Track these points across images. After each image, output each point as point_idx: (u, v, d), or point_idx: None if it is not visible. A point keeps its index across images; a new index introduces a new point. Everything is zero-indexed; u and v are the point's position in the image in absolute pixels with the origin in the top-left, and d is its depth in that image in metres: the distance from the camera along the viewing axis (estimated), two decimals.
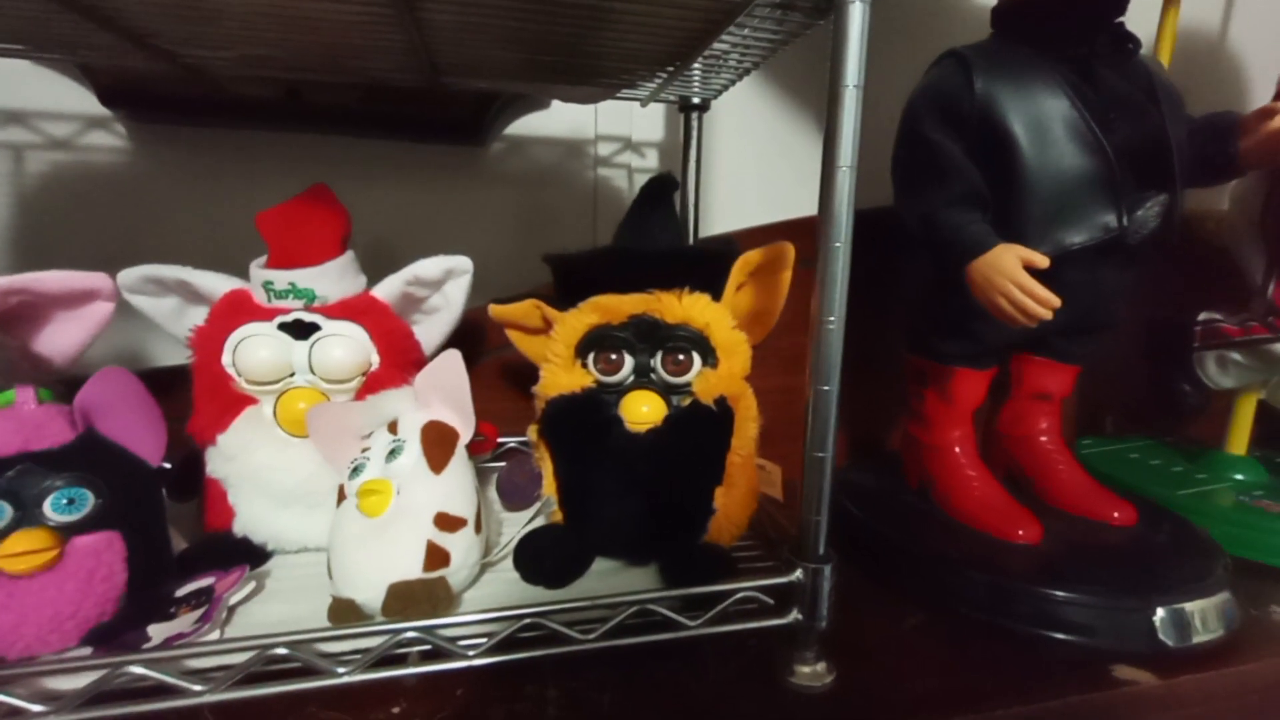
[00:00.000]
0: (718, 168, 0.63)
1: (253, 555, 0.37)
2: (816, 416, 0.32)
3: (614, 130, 0.62)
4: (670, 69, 0.44)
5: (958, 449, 0.48)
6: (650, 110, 0.60)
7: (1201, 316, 0.55)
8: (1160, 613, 0.37)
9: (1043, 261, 0.37)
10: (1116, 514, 0.45)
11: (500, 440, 0.50)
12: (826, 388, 0.31)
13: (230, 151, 0.53)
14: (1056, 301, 0.36)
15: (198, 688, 0.27)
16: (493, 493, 0.45)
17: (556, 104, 0.59)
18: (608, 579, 0.37)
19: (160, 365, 0.51)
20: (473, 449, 0.42)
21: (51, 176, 0.51)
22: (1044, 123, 0.39)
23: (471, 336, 0.54)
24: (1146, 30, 0.53)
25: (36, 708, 0.25)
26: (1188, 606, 0.37)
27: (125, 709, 0.26)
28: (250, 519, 0.38)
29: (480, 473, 0.46)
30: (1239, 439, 0.57)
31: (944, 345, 0.46)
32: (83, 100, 0.50)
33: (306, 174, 0.45)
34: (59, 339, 0.38)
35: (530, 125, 0.60)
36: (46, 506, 0.29)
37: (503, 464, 0.45)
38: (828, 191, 0.30)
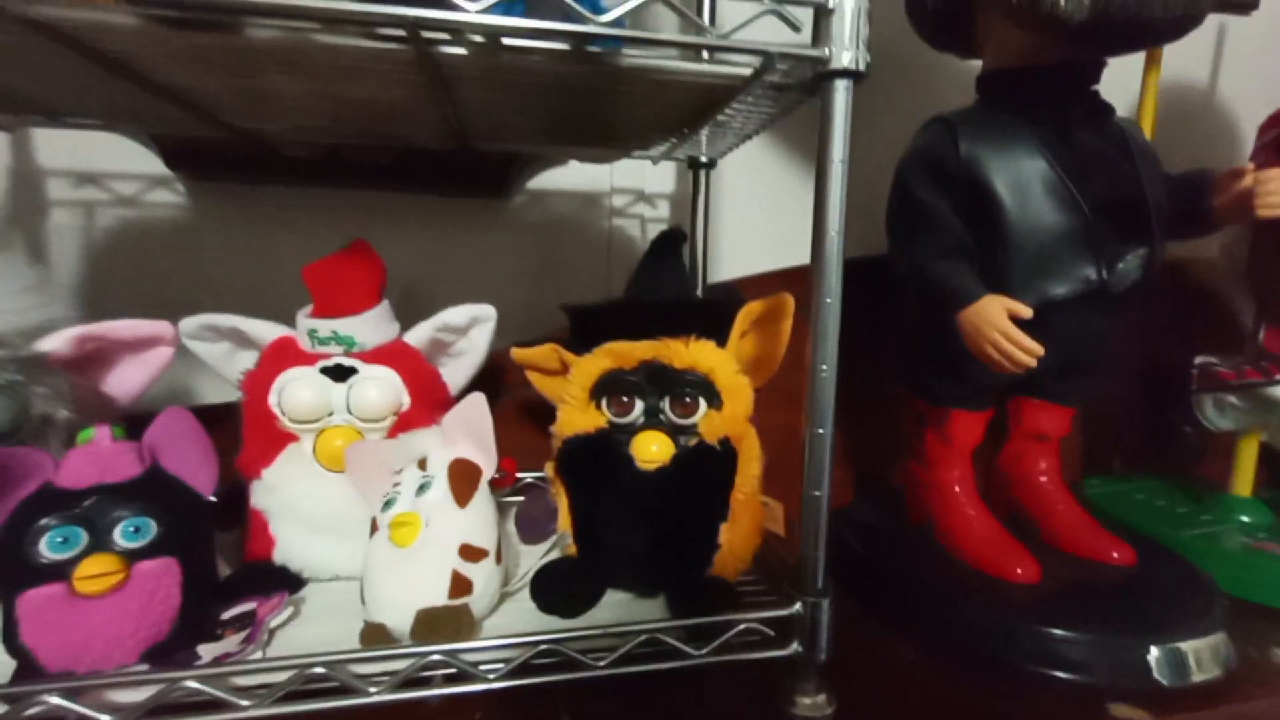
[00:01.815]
0: (724, 219, 0.66)
1: (290, 582, 0.40)
2: (813, 457, 0.34)
3: (628, 184, 0.66)
4: (678, 135, 0.48)
5: (957, 488, 0.50)
6: (662, 166, 0.64)
7: (1198, 360, 0.57)
8: (1155, 651, 0.38)
9: (1026, 312, 0.40)
10: (1115, 554, 0.46)
11: (518, 475, 0.53)
12: (821, 430, 0.34)
13: (276, 206, 0.58)
14: (1039, 350, 0.39)
15: (244, 703, 0.29)
16: (511, 526, 0.48)
17: (574, 161, 0.64)
18: (618, 609, 0.39)
19: (204, 403, 0.55)
20: (493, 484, 0.45)
21: (118, 231, 0.56)
22: (1025, 182, 0.42)
23: (492, 378, 0.57)
24: (1129, 90, 0.57)
25: (103, 717, 0.28)
26: (1184, 646, 0.38)
27: None
28: (289, 547, 0.41)
29: (499, 506, 0.49)
30: (1243, 480, 0.58)
31: (940, 387, 0.49)
32: (149, 163, 0.55)
33: (344, 226, 0.49)
34: (125, 380, 0.42)
35: (550, 180, 0.65)
36: (116, 534, 0.32)
37: (521, 499, 0.48)
38: (818, 253, 0.33)
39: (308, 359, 0.42)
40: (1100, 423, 0.71)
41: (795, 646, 0.35)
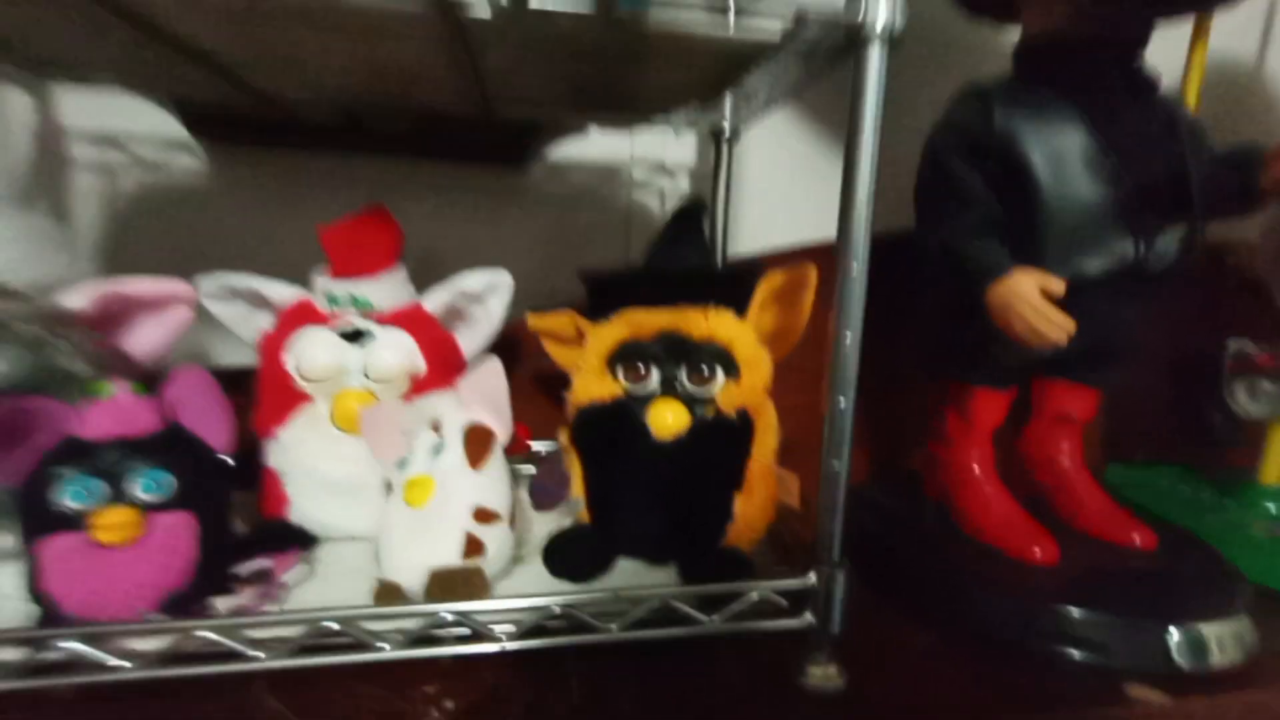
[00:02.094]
0: (747, 193, 0.65)
1: (304, 540, 0.40)
2: (833, 428, 0.34)
3: (649, 155, 0.65)
4: (703, 102, 0.47)
5: (977, 467, 0.49)
6: (684, 138, 0.63)
7: (1232, 344, 0.55)
8: (1176, 634, 0.37)
9: (1059, 287, 0.38)
10: (1137, 538, 0.45)
11: (532, 444, 0.53)
12: (844, 401, 0.33)
13: (294, 171, 0.58)
14: (1073, 327, 0.38)
15: (259, 654, 0.30)
16: (524, 493, 0.48)
17: (594, 130, 0.63)
18: (630, 577, 0.39)
19: (222, 365, 0.55)
20: (507, 450, 0.45)
21: (139, 194, 0.56)
22: (1062, 155, 0.41)
23: (509, 348, 0.57)
24: (1175, 63, 0.54)
25: (120, 663, 0.29)
26: (1205, 629, 0.37)
27: (195, 670, 0.29)
28: (303, 507, 0.41)
29: (513, 473, 0.49)
30: (1273, 469, 0.56)
31: (964, 365, 0.48)
32: (170, 126, 0.55)
33: (362, 192, 0.49)
34: (145, 339, 0.42)
35: (569, 150, 0.64)
36: (136, 486, 0.33)
37: (534, 466, 0.48)
38: (846, 221, 0.32)
39: (325, 321, 0.42)
40: (1124, 410, 0.69)
41: (809, 617, 0.35)
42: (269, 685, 0.33)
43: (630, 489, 0.39)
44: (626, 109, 0.50)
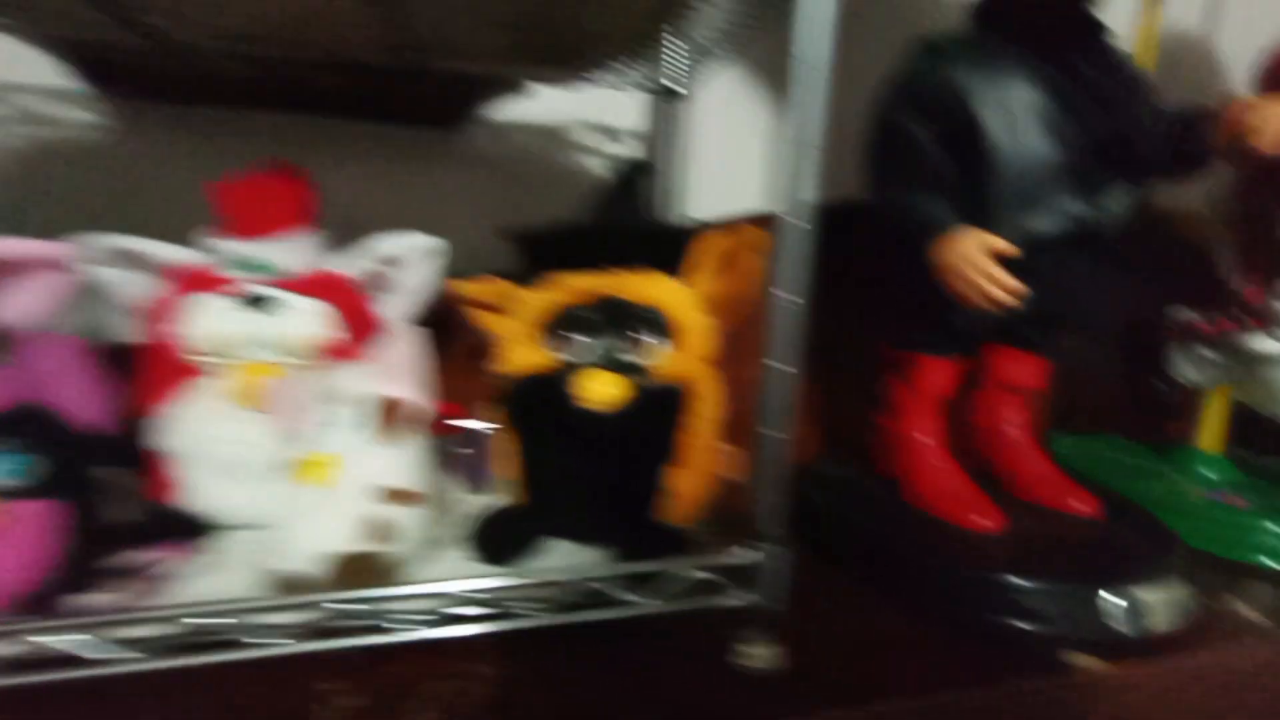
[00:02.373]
0: (701, 158, 0.62)
1: (196, 529, 0.36)
2: (773, 396, 0.32)
3: (595, 118, 0.61)
4: (642, 49, 0.43)
5: (924, 438, 0.48)
6: (632, 99, 0.60)
7: (1175, 314, 0.55)
8: (1115, 600, 0.37)
9: (1005, 247, 0.37)
10: (1079, 505, 0.45)
11: (469, 422, 0.50)
12: (783, 368, 0.31)
13: (204, 129, 0.53)
14: (1018, 288, 0.36)
15: (133, 655, 0.26)
16: (455, 473, 0.45)
17: (537, 91, 0.59)
18: (564, 559, 0.37)
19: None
20: (435, 429, 0.42)
21: (27, 151, 0.50)
22: (1013, 111, 0.39)
23: (445, 320, 0.54)
24: (1128, 28, 0.53)
25: None
26: (1144, 595, 0.37)
27: (56, 676, 0.26)
28: (197, 492, 0.37)
29: (444, 452, 0.46)
30: (1210, 436, 0.57)
31: (912, 333, 0.46)
32: (60, 76, 0.49)
33: (281, 154, 0.44)
34: (19, 307, 0.37)
35: (509, 111, 0.60)
36: None
37: (466, 444, 0.45)
38: (789, 169, 0.29)
39: (225, 287, 0.38)
40: (1071, 378, 0.70)
41: (747, 595, 0.33)
42: (151, 689, 0.29)
43: (563, 464, 0.37)
44: (562, 60, 0.46)
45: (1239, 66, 0.72)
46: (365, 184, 0.57)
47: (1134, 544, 0.42)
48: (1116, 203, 0.40)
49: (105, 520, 0.33)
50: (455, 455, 0.44)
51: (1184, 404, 0.58)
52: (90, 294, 0.38)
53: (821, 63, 0.27)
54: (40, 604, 0.29)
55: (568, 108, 0.60)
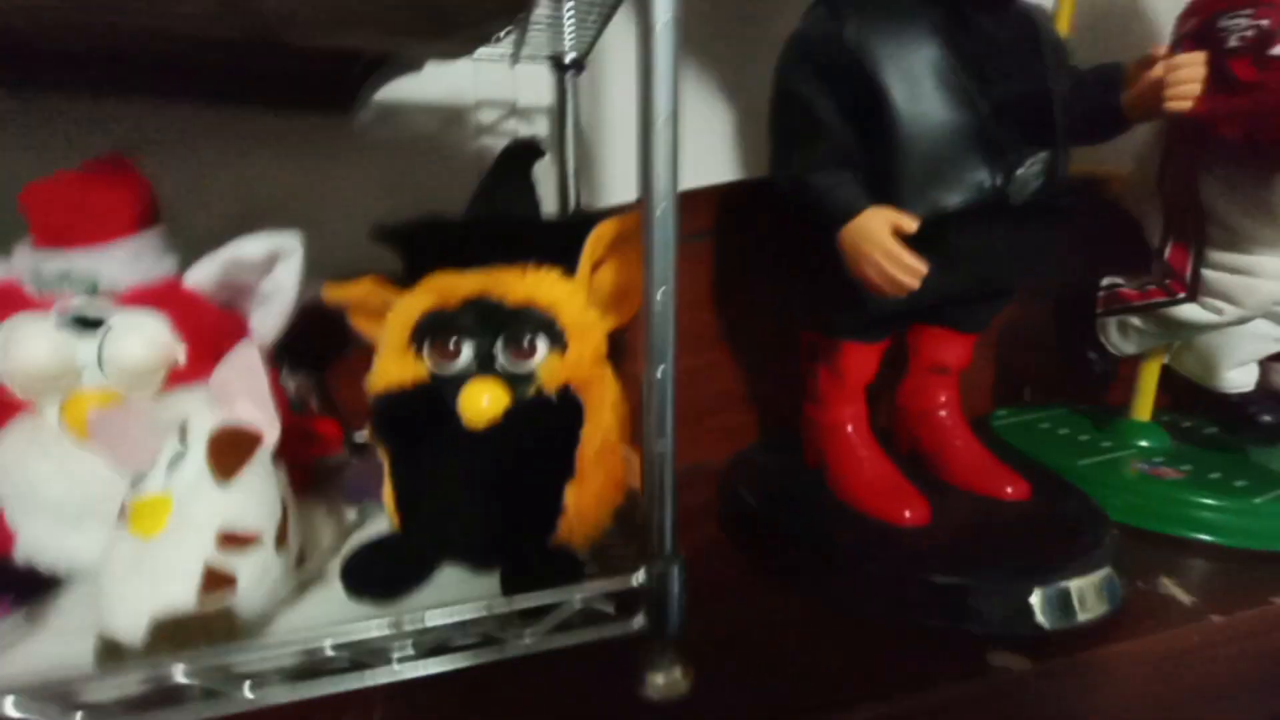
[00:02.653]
0: (608, 135, 0.58)
1: (35, 584, 0.32)
2: (654, 404, 0.28)
3: (496, 95, 0.57)
4: (523, 11, 0.39)
5: (850, 427, 0.45)
6: (536, 74, 0.55)
7: (1104, 282, 0.54)
8: (1039, 594, 0.35)
9: (911, 225, 0.34)
10: (1010, 489, 0.43)
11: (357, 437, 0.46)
12: (662, 370, 0.28)
13: (37, 118, 0.47)
14: (922, 269, 0.34)
15: None
16: (343, 496, 0.41)
17: (432, 67, 0.54)
18: (450, 590, 0.34)
19: None
20: (314, 450, 0.38)
21: None
22: (917, 74, 0.36)
23: (339, 327, 0.49)
24: None
25: None
26: (1068, 584, 0.35)
27: None
28: (34, 542, 0.33)
29: (334, 473, 0.42)
30: (1144, 405, 0.56)
31: (831, 318, 0.44)
32: None
33: (138, 145, 0.39)
34: None
35: (403, 90, 0.55)
36: None
37: (350, 464, 0.41)
38: (646, 153, 0.26)
39: (41, 306, 0.33)
40: (1012, 351, 0.69)
41: (641, 620, 0.30)
42: None
43: (441, 486, 0.33)
44: (435, 30, 0.42)
45: (1161, 24, 0.71)
46: (244, 178, 0.52)
47: (1063, 528, 0.40)
48: (1029, 171, 0.37)
49: None
50: (339, 477, 0.41)
51: (1116, 373, 0.57)
52: None
53: (668, 21, 0.24)
54: None
55: (468, 85, 0.56)
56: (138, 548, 0.28)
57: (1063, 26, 0.53)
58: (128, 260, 0.35)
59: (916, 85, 0.36)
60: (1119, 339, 0.53)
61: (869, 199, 0.36)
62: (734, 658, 0.34)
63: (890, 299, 0.37)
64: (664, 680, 0.31)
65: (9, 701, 0.23)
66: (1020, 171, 0.37)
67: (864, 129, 0.37)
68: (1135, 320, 0.51)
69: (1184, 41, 0.44)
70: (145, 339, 0.34)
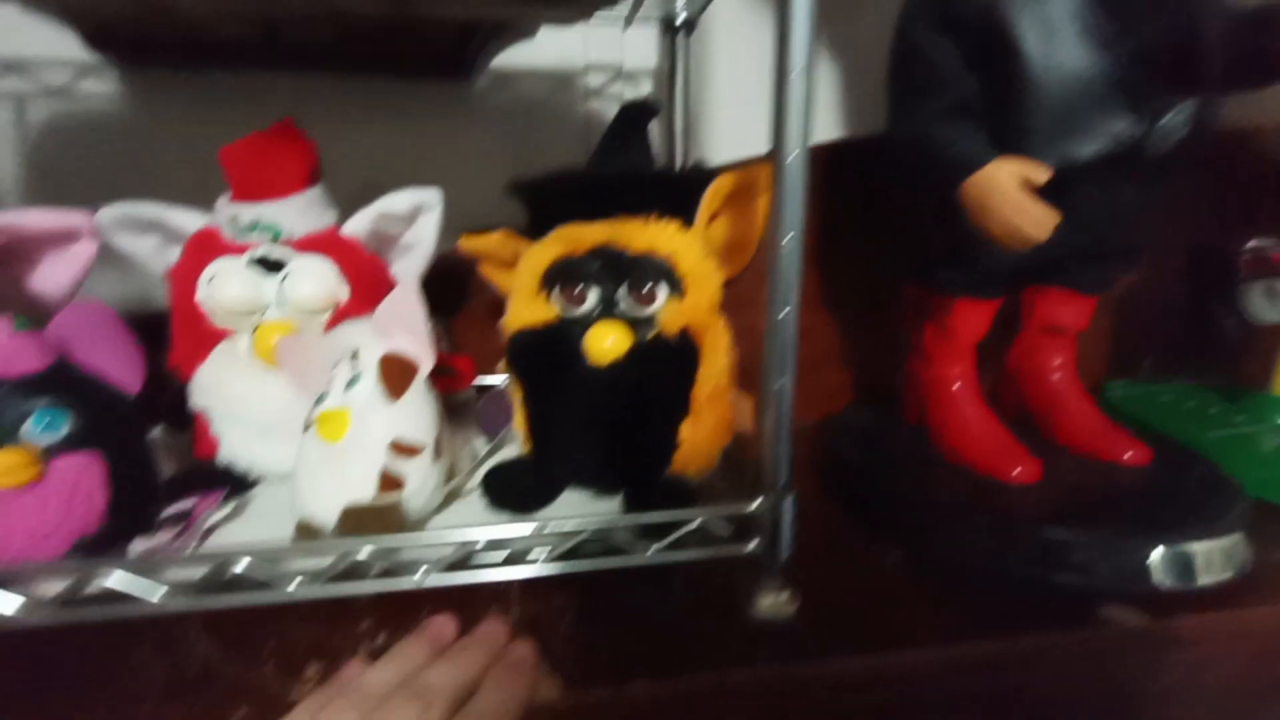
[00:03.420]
0: (714, 95, 0.59)
1: (229, 482, 0.38)
2: (775, 343, 0.30)
3: (605, 59, 0.59)
4: None
5: (957, 385, 0.45)
6: (643, 37, 0.57)
7: (1250, 244, 0.50)
8: (1159, 552, 0.34)
9: (1041, 176, 0.34)
10: (1129, 454, 0.42)
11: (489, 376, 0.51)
12: (785, 311, 0.30)
13: (213, 93, 0.53)
14: (1053, 221, 0.33)
15: (155, 597, 0.28)
16: (471, 424, 0.46)
17: (544, 33, 0.57)
18: (575, 508, 0.37)
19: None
20: (450, 384, 0.42)
21: (50, 124, 0.52)
22: (1052, 19, 0.35)
23: (463, 277, 0.54)
24: None
25: (14, 602, 0.27)
26: (1191, 547, 0.34)
27: (96, 612, 0.28)
28: (232, 449, 0.39)
29: (463, 407, 0.47)
30: None
31: (943, 273, 0.43)
32: (73, 47, 0.50)
33: (288, 114, 0.44)
34: (50, 278, 0.39)
35: (517, 57, 0.58)
36: (26, 427, 0.31)
37: (485, 397, 0.45)
38: (781, 102, 0.27)
39: (235, 250, 0.39)
40: (1130, 321, 0.65)
41: (755, 544, 0.32)
42: (200, 627, 0.32)
43: (569, 418, 0.37)
44: None
45: None
46: (375, 141, 0.57)
47: (1187, 493, 0.39)
48: (1173, 121, 0.35)
49: (153, 474, 0.35)
50: (475, 408, 0.45)
51: (1259, 344, 0.53)
52: (116, 262, 0.40)
53: None
54: (93, 550, 0.31)
55: (578, 50, 0.58)
56: (325, 451, 0.33)
57: None
58: (301, 211, 0.40)
59: (1051, 31, 0.35)
60: (1265, 305, 0.49)
61: (994, 150, 0.35)
62: (835, 594, 0.36)
63: (1013, 254, 0.36)
64: (772, 601, 0.33)
65: (244, 562, 0.28)
66: (1164, 121, 0.36)
67: (988, 78, 0.36)
68: None
69: None
70: (318, 280, 0.39)
